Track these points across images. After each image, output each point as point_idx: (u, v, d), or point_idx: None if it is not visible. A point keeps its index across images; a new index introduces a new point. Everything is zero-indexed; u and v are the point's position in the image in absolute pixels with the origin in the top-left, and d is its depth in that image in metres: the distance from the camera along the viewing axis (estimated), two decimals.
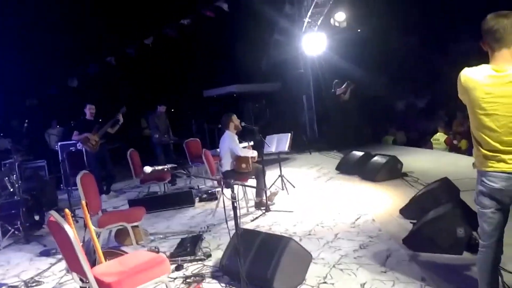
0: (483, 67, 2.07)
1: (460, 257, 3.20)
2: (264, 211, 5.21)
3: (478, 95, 2.05)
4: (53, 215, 2.28)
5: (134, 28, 11.55)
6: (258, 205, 5.39)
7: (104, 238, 4.42)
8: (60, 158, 8.47)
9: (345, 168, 7.14)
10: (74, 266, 2.47)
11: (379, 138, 11.21)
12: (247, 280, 2.79)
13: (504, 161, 2.05)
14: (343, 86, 9.75)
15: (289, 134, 6.27)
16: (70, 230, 2.20)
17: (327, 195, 5.77)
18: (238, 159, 5.26)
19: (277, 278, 2.89)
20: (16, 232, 4.97)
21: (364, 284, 2.96)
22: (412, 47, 11.45)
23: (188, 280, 3.33)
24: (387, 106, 12.25)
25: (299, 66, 11.84)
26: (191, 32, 11.77)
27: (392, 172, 6.27)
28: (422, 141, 10.71)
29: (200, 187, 7.30)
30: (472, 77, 2.08)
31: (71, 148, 8.24)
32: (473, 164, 2.27)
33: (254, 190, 5.44)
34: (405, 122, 11.60)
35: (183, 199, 5.96)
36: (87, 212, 2.74)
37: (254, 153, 5.37)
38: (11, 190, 5.20)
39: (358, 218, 4.51)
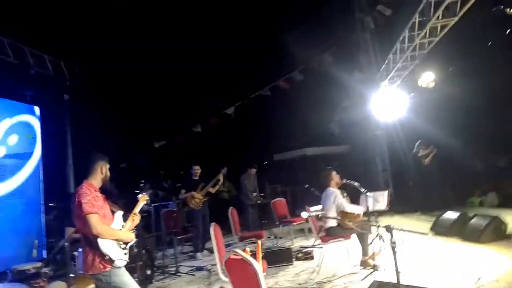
0: None
1: None
2: (372, 270, 5.18)
3: None
4: (238, 252, 2.58)
5: (216, 99, 12.56)
6: (363, 264, 5.38)
7: None
8: (153, 218, 9.04)
9: (441, 229, 6.94)
10: None
11: (462, 201, 10.78)
12: None
13: None
14: (427, 150, 9.74)
15: (387, 191, 6.32)
16: (258, 265, 2.47)
17: (432, 255, 5.61)
18: (344, 215, 5.38)
19: None
20: None
21: None
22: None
23: None
24: (467, 168, 11.89)
25: (372, 128, 12.03)
26: (264, 100, 12.62)
27: (497, 233, 6.02)
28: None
29: (290, 246, 7.38)
30: None
31: (163, 209, 8.79)
32: None
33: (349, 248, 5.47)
34: (489, 184, 11.12)
35: (282, 257, 6.08)
36: (260, 250, 2.99)
37: (361, 210, 5.48)
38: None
39: (479, 278, 4.37)
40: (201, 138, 11.96)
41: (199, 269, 6.49)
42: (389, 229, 2.70)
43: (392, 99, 10.33)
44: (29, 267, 4.76)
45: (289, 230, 8.11)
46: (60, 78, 8.39)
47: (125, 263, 3.09)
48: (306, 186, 8.25)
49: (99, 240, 2.98)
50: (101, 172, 3.27)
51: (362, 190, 5.75)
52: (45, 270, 3.96)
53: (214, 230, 4.23)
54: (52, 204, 7.65)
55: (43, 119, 7.93)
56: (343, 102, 13.51)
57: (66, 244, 4.14)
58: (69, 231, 5.69)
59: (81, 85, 8.80)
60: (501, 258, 5.07)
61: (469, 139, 12.30)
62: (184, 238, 8.29)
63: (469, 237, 6.18)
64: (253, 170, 8.46)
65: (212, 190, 7.34)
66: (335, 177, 5.77)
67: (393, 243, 2.66)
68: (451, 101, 9.89)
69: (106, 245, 3.01)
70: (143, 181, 7.06)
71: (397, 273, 2.64)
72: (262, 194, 8.39)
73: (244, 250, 2.73)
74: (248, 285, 2.56)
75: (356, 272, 5.28)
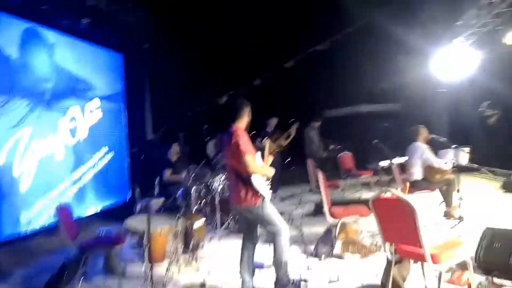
0: None
1: None
2: (459, 220, 5.43)
3: None
4: (393, 191, 2.86)
5: (275, 54, 12.42)
6: (448, 215, 5.64)
7: None
8: None
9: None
10: (392, 236, 3.03)
11: None
12: None
13: None
14: (493, 112, 9.72)
15: (469, 147, 6.40)
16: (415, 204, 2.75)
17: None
18: (432, 169, 5.57)
19: None
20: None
21: None
22: None
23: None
24: None
25: (431, 86, 11.81)
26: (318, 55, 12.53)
27: None
28: None
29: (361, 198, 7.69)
30: None
31: None
32: None
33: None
34: None
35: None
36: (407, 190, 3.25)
37: (448, 165, 5.64)
38: None
39: None
40: (260, 92, 12.06)
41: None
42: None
43: (460, 57, 10.01)
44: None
45: (355, 183, 8.41)
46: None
47: (270, 196, 3.44)
48: (375, 141, 8.41)
49: (252, 177, 3.32)
50: (248, 116, 3.55)
51: (453, 145, 5.85)
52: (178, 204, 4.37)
53: (322, 177, 4.59)
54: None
55: (125, 67, 8.28)
56: (399, 58, 13.21)
57: (188, 184, 4.53)
58: (168, 172, 6.15)
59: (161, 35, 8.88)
60: None
61: None
62: None
63: None
64: (316, 124, 8.70)
65: (284, 143, 7.62)
66: (424, 132, 5.91)
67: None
68: None
69: (258, 182, 3.35)
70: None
71: None
72: (339, 146, 8.61)
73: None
74: (403, 223, 2.85)
75: (441, 222, 5.54)
